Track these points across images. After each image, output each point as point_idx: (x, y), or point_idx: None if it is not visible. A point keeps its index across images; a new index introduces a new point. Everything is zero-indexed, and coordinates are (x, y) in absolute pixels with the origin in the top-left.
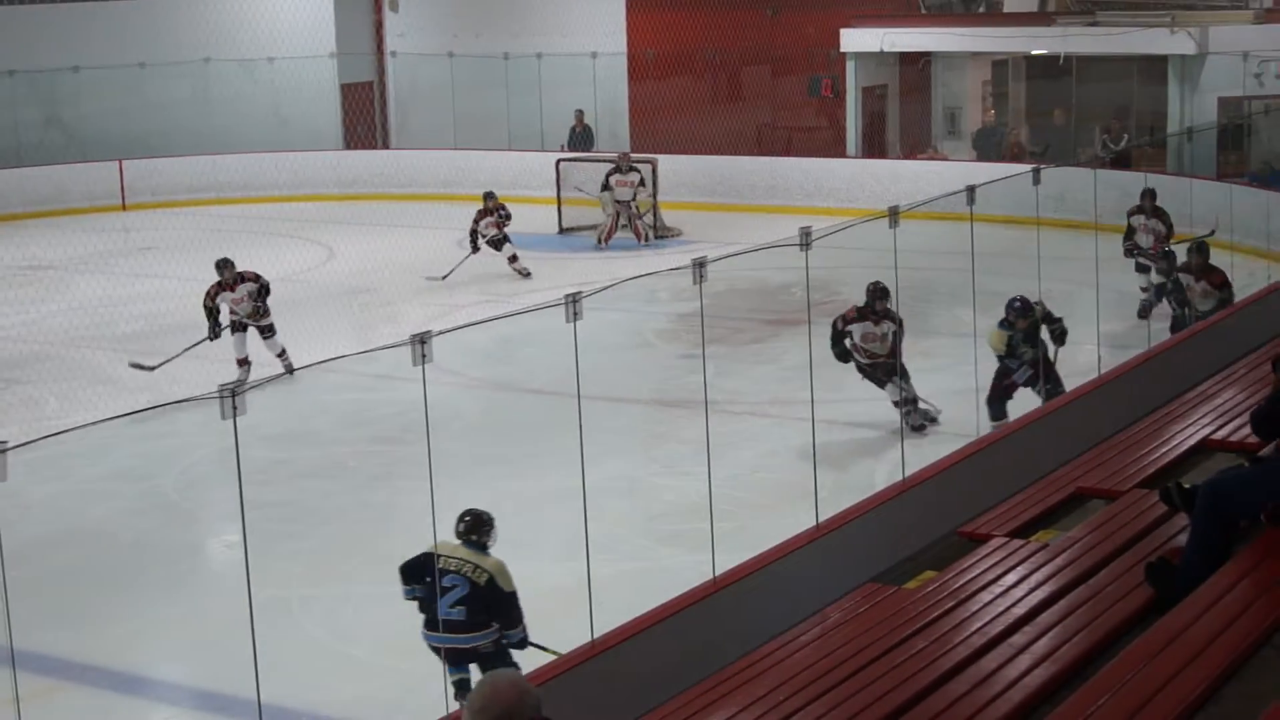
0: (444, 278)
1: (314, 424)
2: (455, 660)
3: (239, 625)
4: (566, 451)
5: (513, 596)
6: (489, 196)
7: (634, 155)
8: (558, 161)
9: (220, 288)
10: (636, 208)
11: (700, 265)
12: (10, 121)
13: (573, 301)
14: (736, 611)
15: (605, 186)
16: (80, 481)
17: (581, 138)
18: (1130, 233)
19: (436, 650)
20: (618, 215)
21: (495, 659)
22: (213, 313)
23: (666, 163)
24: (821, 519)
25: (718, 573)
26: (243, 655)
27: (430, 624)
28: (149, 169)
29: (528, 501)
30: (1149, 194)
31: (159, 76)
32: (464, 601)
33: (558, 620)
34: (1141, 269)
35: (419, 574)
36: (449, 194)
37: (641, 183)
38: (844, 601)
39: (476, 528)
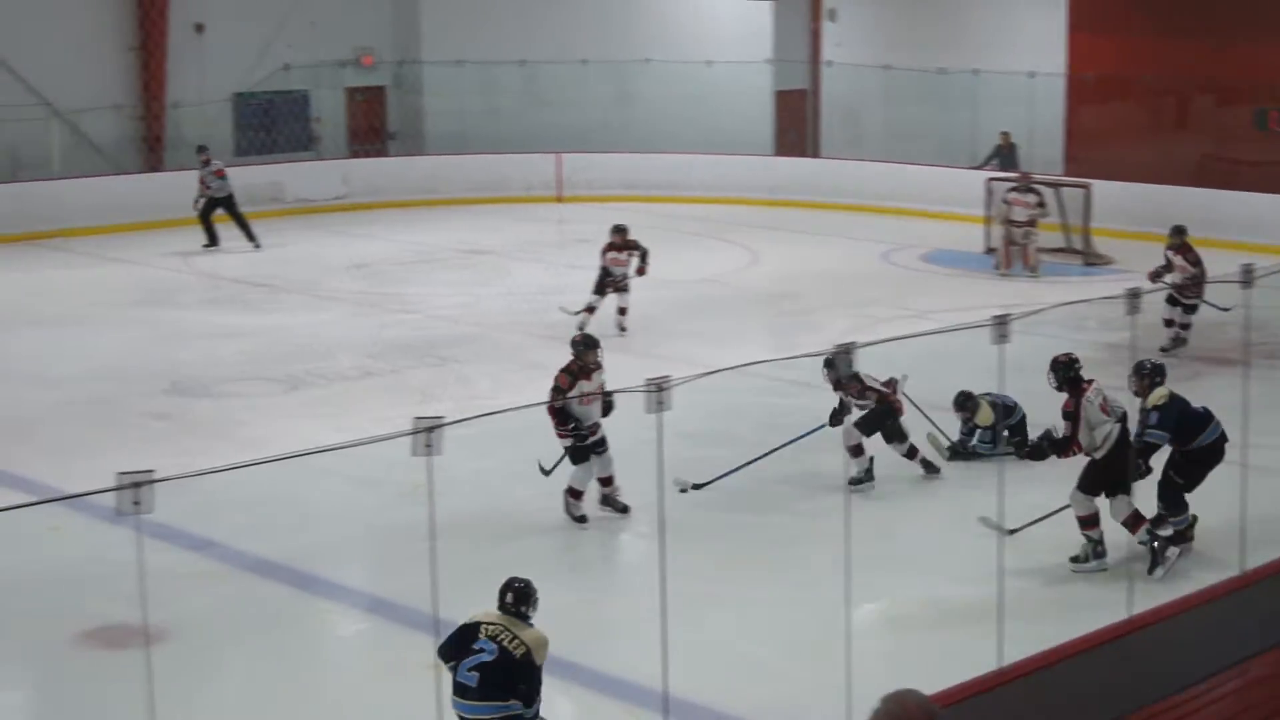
0: (575, 313)
1: (729, 424)
2: None
3: (648, 616)
4: (982, 473)
5: (539, 671)
6: (619, 230)
7: (1069, 179)
8: (988, 180)
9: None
10: (1033, 233)
11: (1135, 296)
12: (457, 109)
13: (1000, 323)
14: (1152, 654)
15: (1003, 203)
16: (505, 461)
17: (1007, 157)
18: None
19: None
20: (1010, 238)
21: None
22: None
23: (1101, 188)
24: (1248, 567)
25: (1134, 612)
26: (650, 646)
27: (454, 686)
28: (586, 163)
29: (940, 519)
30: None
31: (600, 74)
32: (482, 668)
33: (966, 642)
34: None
35: (461, 649)
36: (876, 206)
37: (1040, 204)
38: (1268, 656)
39: (523, 599)
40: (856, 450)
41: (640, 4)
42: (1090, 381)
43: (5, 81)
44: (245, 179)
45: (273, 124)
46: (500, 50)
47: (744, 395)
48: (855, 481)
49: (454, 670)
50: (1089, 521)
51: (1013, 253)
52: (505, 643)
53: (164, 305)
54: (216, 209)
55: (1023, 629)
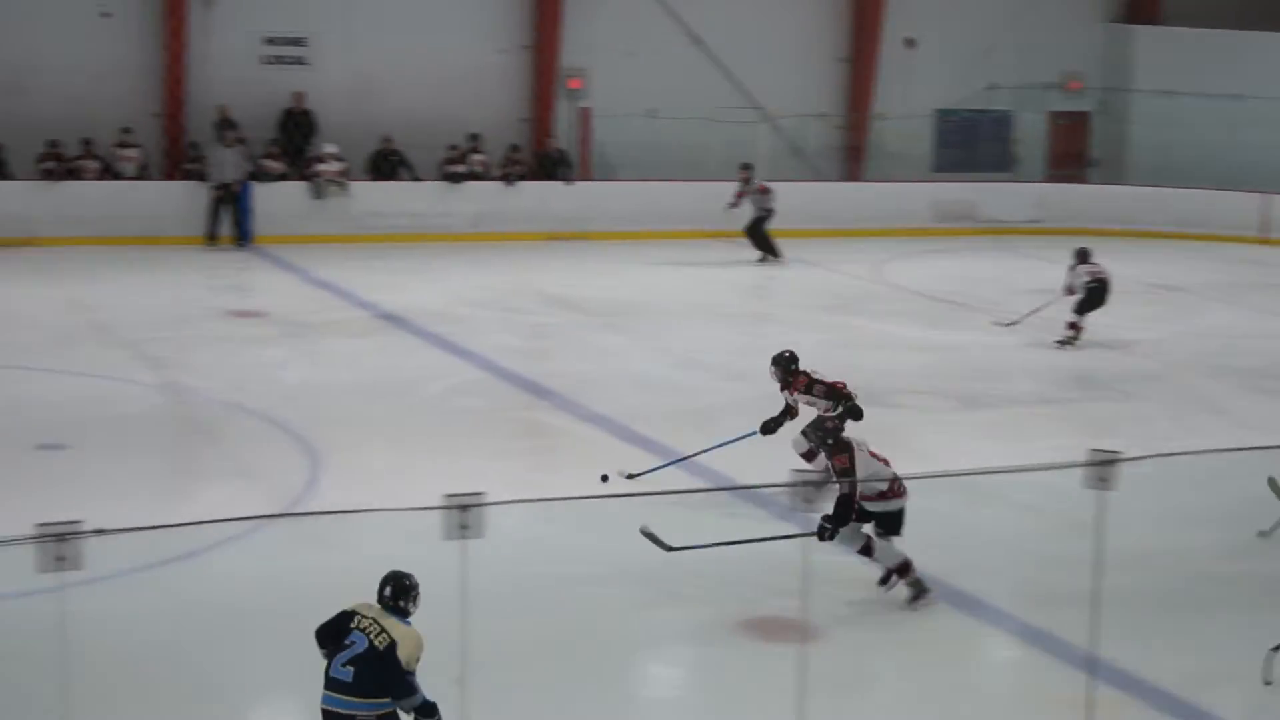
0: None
1: None
2: None
3: None
4: None
5: (405, 674)
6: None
7: None
8: None
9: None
10: None
11: None
12: (1163, 140)
13: None
14: None
15: None
16: (1181, 505)
17: None
18: None
19: (325, 715)
20: None
21: None
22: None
23: None
24: None
25: None
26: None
27: (325, 678)
28: None
29: None
30: None
31: None
32: (355, 662)
33: None
34: None
35: (335, 637)
36: None
37: None
38: None
39: (401, 593)
40: (810, 456)
41: None
42: None
43: (723, 86)
44: (939, 195)
45: (972, 142)
46: (1215, 83)
47: None
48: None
49: (328, 662)
50: None
51: None
52: (372, 636)
53: (851, 312)
54: (767, 223)
55: None
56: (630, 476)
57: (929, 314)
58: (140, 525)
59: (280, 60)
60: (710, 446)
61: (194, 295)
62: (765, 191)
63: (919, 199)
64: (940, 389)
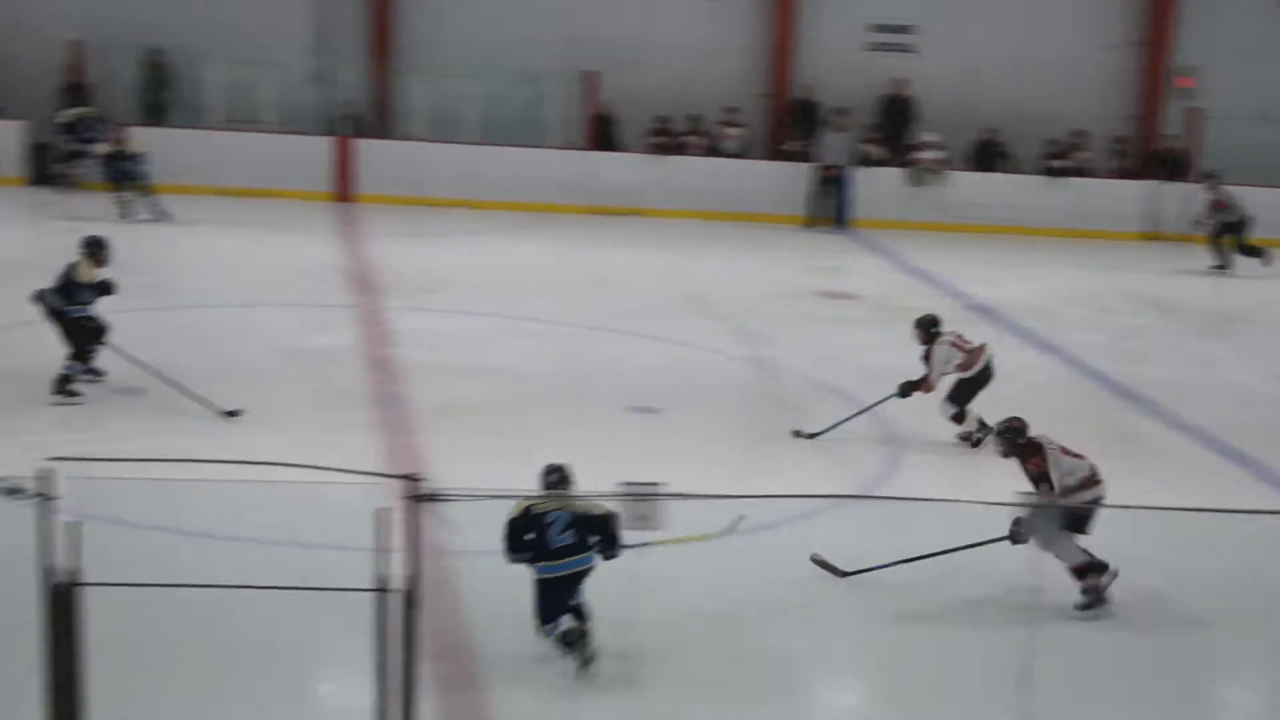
0: None
1: None
2: (568, 593)
3: None
4: None
5: (608, 516)
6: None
7: None
8: None
9: None
10: None
11: None
12: None
13: None
14: None
15: None
16: None
17: None
18: None
19: (550, 585)
20: None
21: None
22: None
23: None
24: None
25: None
26: None
27: (546, 557)
28: None
29: None
30: None
31: None
32: (570, 525)
33: None
34: None
35: (523, 534)
36: None
37: None
38: None
39: (564, 481)
40: (959, 418)
41: None
42: None
43: None
44: None
45: None
46: None
47: None
48: (977, 441)
49: (544, 541)
50: None
51: None
52: (579, 511)
53: None
54: (1227, 233)
55: None
56: (809, 436)
57: None
58: (719, 493)
59: (886, 47)
60: (876, 401)
61: (789, 274)
62: (1223, 206)
63: None
64: None
